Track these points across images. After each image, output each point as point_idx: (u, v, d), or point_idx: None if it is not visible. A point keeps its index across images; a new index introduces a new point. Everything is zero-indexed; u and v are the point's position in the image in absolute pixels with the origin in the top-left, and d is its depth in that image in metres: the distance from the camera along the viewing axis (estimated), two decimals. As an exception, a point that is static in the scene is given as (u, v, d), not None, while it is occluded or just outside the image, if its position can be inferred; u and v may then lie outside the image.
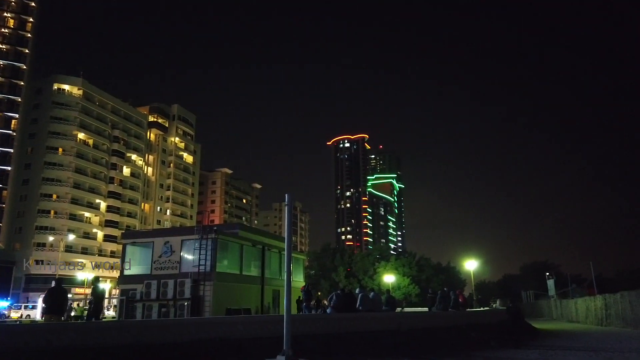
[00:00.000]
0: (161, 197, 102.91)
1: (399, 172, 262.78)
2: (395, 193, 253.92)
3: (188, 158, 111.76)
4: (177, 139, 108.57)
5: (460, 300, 28.36)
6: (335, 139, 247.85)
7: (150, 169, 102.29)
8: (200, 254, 24.50)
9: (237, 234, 30.33)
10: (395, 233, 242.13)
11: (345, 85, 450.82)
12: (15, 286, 70.00)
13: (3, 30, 76.77)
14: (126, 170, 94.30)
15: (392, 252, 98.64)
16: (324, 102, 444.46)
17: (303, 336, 13.88)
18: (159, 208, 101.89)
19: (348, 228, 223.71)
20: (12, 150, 73.59)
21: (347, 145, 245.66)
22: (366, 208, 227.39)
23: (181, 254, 26.17)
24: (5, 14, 77.50)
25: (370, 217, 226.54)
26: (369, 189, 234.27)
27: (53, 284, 14.68)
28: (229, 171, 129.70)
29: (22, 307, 54.16)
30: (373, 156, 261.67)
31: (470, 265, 46.36)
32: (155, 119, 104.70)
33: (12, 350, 10.66)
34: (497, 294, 75.57)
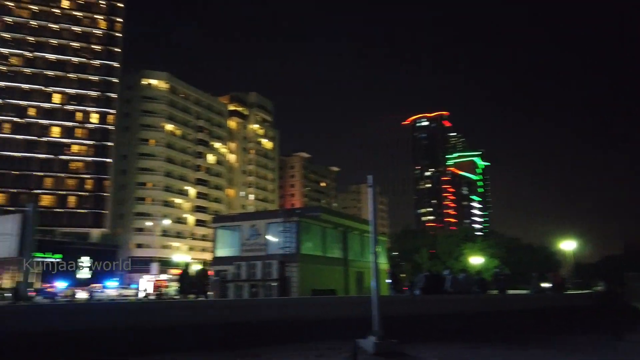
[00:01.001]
0: (244, 182, 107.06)
1: (482, 150, 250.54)
2: (479, 171, 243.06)
3: (267, 144, 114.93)
4: (256, 125, 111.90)
5: (556, 282, 26.63)
6: (412, 117, 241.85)
7: (232, 156, 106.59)
8: (285, 237, 25.08)
9: (318, 217, 30.68)
10: (480, 213, 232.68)
11: (421, 64, 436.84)
12: (122, 268, 76.76)
13: (96, 31, 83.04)
14: (211, 158, 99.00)
15: (477, 233, 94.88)
16: (398, 82, 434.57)
17: (390, 317, 13.67)
18: (242, 193, 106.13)
19: (429, 209, 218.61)
20: (111, 144, 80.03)
21: (425, 123, 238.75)
22: (448, 188, 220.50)
23: (267, 236, 26.97)
24: (96, 16, 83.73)
25: (453, 197, 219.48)
26: (450, 168, 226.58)
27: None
28: (307, 155, 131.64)
29: (129, 286, 58.93)
30: (454, 134, 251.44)
31: (567, 245, 43.29)
32: (235, 108, 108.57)
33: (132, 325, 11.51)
34: (597, 275, 70.06)
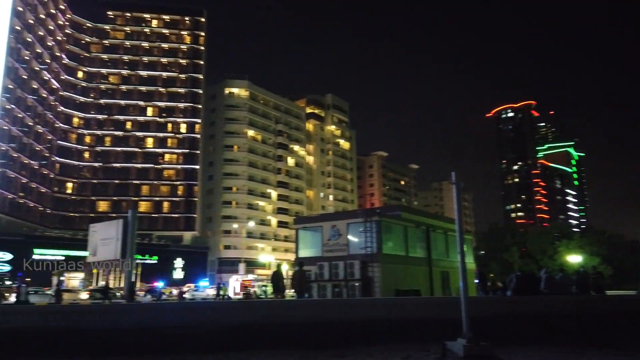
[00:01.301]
0: (323, 183, 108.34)
1: (576, 139, 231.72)
2: (574, 163, 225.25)
3: (344, 145, 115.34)
4: (332, 127, 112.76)
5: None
6: (496, 109, 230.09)
7: (311, 158, 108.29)
8: (366, 237, 24.88)
9: (399, 216, 30.08)
10: (576, 208, 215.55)
11: (504, 52, 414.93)
12: (210, 268, 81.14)
13: (182, 47, 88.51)
14: (291, 161, 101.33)
15: (574, 229, 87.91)
16: (478, 74, 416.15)
17: (480, 319, 12.98)
18: (321, 194, 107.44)
19: (518, 205, 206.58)
20: (198, 151, 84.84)
21: (511, 115, 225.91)
22: (538, 182, 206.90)
23: (348, 236, 26.93)
24: (182, 32, 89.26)
25: (544, 192, 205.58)
26: (540, 161, 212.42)
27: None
28: (385, 154, 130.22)
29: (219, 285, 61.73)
30: (543, 124, 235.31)
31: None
32: (311, 110, 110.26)
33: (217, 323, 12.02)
34: None
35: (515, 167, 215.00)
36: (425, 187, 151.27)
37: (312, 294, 24.94)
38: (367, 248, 24.68)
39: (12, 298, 32.55)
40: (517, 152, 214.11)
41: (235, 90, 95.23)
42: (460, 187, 13.08)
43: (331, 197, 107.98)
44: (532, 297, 17.84)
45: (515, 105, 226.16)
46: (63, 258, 62.59)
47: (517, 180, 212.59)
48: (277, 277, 18.40)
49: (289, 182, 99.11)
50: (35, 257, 60.87)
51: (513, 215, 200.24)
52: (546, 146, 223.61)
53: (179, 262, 74.48)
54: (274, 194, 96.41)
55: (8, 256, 57.85)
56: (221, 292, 41.49)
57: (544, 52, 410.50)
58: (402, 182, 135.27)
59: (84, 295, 39.47)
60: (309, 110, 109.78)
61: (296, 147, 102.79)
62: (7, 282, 45.94)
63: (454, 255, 29.40)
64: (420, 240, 29.78)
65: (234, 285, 55.64)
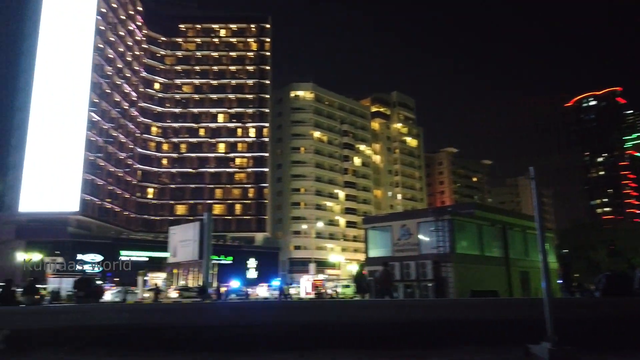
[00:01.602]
0: (390, 182, 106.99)
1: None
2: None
3: (411, 142, 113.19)
4: (399, 124, 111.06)
5: None
6: (576, 98, 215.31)
7: (378, 157, 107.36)
8: (438, 236, 24.15)
9: (472, 214, 28.91)
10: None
11: (580, 39, 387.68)
12: (282, 269, 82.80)
13: (249, 54, 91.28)
14: (357, 161, 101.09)
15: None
16: (554, 63, 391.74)
17: (565, 322, 12.07)
18: (389, 193, 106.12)
19: (604, 199, 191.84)
20: (267, 155, 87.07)
21: (593, 103, 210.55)
22: (627, 174, 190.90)
23: (418, 236, 26.30)
24: (248, 40, 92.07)
25: (635, 184, 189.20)
26: (629, 151, 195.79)
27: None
28: (454, 150, 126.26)
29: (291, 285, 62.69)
30: (630, 112, 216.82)
31: None
32: (377, 109, 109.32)
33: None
34: None
35: (600, 159, 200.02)
36: (499, 183, 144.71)
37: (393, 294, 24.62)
38: (439, 247, 23.96)
39: (107, 297, 35.17)
40: (602, 143, 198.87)
41: (300, 93, 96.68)
42: (537, 182, 12.25)
43: (399, 196, 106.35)
44: (624, 298, 16.37)
45: (598, 93, 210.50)
46: (147, 259, 67.09)
47: (602, 173, 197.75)
48: (359, 278, 18.31)
49: (356, 182, 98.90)
50: (122, 258, 65.43)
51: (599, 210, 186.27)
52: (635, 135, 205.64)
53: (252, 262, 76.75)
54: (341, 194, 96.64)
55: (98, 258, 62.56)
56: (284, 292, 42.25)
57: (628, 35, 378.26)
58: (475, 179, 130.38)
59: (174, 294, 41.76)
60: (374, 109, 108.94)
61: (362, 147, 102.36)
62: (98, 282, 49.62)
63: (533, 254, 27.77)
64: (496, 239, 28.44)
65: (305, 285, 56.35)
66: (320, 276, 64.51)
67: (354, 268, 74.98)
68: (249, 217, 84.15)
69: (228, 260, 73.14)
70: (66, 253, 57.26)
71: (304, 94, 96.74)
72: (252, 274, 75.29)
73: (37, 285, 19.56)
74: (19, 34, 72.68)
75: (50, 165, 61.49)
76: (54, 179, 61.19)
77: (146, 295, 43.10)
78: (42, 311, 14.13)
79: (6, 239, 62.70)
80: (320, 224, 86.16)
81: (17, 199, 61.32)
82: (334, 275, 76.76)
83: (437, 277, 23.39)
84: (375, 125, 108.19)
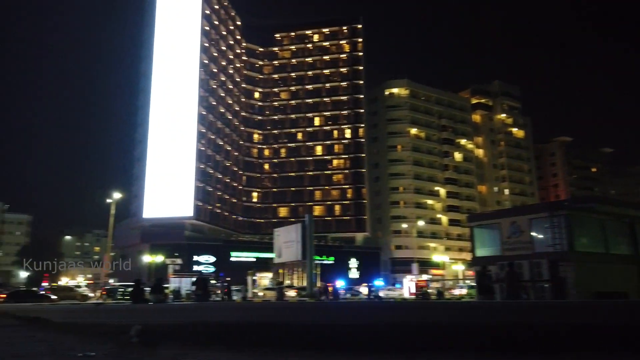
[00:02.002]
0: (496, 177, 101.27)
1: None
2: None
3: (518, 133, 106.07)
4: (503, 115, 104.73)
5: None
6: None
7: (481, 151, 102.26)
8: (553, 233, 22.28)
9: (593, 208, 26.31)
10: None
11: None
12: (383, 269, 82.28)
13: (342, 56, 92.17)
14: (458, 156, 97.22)
15: None
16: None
17: None
18: (495, 189, 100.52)
19: None
20: (364, 155, 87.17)
21: None
22: None
23: (531, 233, 24.54)
24: (341, 42, 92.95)
25: None
26: None
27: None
28: (568, 139, 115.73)
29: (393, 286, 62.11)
30: None
31: None
32: (477, 101, 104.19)
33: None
34: None
35: None
36: (622, 173, 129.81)
37: (494, 296, 23.27)
38: (555, 245, 22.11)
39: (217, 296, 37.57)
40: None
41: (395, 90, 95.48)
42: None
43: (507, 191, 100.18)
44: None
45: None
46: (254, 260, 70.73)
47: None
48: (482, 278, 17.49)
49: (457, 178, 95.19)
50: (232, 259, 69.80)
51: None
52: None
53: (353, 263, 77.24)
54: (442, 191, 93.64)
55: (212, 259, 67.30)
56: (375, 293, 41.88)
57: None
58: (594, 169, 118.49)
59: (292, 293, 43.53)
60: (474, 101, 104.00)
61: (463, 141, 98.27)
62: (212, 281, 53.20)
63: (671, 251, 24.51)
64: (624, 235, 25.59)
65: (408, 286, 55.33)
66: (424, 276, 62.92)
67: (459, 268, 72.13)
68: (348, 217, 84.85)
69: (330, 261, 74.35)
70: (183, 255, 62.38)
71: (399, 90, 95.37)
72: (353, 273, 75.73)
73: (162, 285, 21.45)
74: (137, 58, 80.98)
75: (167, 175, 67.45)
76: (171, 187, 67.02)
77: (260, 294, 45.30)
78: (167, 308, 15.45)
79: (133, 243, 70.03)
80: (421, 223, 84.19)
81: (141, 206, 68.11)
82: (438, 276, 74.43)
83: (555, 277, 21.58)
84: (477, 117, 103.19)
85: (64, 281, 74.86)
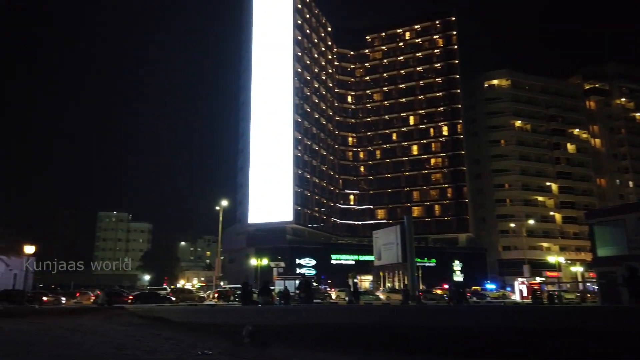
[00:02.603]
0: (617, 168, 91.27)
1: None
2: None
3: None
4: (622, 100, 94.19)
5: None
6: None
7: (597, 141, 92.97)
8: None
9: None
10: None
11: None
12: (490, 270, 78.05)
13: (435, 51, 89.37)
14: (570, 147, 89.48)
15: None
16: None
17: None
18: (617, 181, 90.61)
19: None
20: (463, 152, 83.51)
21: None
22: None
23: (667, 229, 21.60)
24: (434, 37, 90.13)
25: None
26: None
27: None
28: None
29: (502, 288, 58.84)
30: None
31: None
32: (590, 86, 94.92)
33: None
34: None
35: None
36: None
37: (620, 300, 20.84)
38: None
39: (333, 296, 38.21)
40: None
41: (495, 81, 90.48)
42: None
43: (631, 184, 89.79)
44: None
45: None
46: (353, 262, 71.10)
47: None
48: (634, 279, 15.70)
49: (570, 171, 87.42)
50: (332, 262, 70.82)
51: None
52: None
53: (457, 265, 74.29)
54: (554, 186, 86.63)
55: (312, 262, 68.84)
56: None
57: None
58: None
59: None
60: (587, 87, 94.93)
61: (576, 131, 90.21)
62: (314, 284, 54.31)
63: None
64: None
65: (520, 289, 52.00)
66: (538, 279, 58.61)
67: (578, 269, 65.97)
68: (449, 217, 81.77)
69: (431, 263, 72.28)
70: (286, 258, 64.61)
71: (499, 82, 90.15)
72: (457, 276, 72.80)
73: (269, 287, 22.25)
74: (237, 73, 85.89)
75: (268, 182, 70.42)
76: (271, 193, 69.85)
77: (381, 296, 45.27)
78: (276, 310, 15.96)
79: (240, 247, 74.08)
80: (531, 221, 78.47)
81: (246, 212, 71.86)
82: (553, 278, 68.80)
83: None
84: (591, 104, 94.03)
85: (180, 284, 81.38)
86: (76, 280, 62.96)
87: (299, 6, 78.57)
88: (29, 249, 33.25)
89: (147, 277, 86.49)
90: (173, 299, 36.87)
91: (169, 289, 45.52)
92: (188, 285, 75.62)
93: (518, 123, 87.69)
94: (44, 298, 36.36)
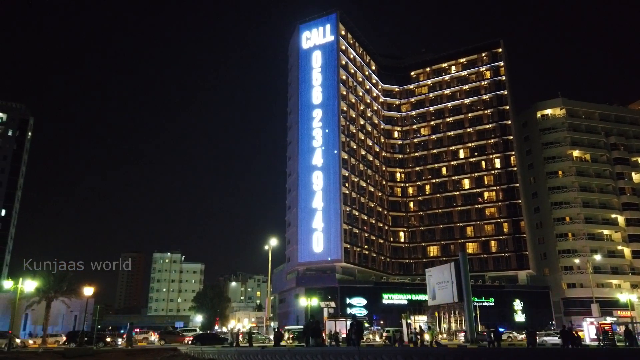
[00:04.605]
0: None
1: None
2: None
3: None
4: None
5: None
6: None
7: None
8: None
9: None
10: None
11: None
12: (555, 310, 72.84)
13: (483, 83, 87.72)
14: (636, 177, 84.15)
15: None
16: None
17: None
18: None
19: None
20: (518, 184, 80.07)
21: None
22: None
23: None
24: (481, 69, 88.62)
25: None
26: None
27: None
28: None
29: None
30: None
31: None
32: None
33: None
34: None
35: None
36: None
37: None
38: None
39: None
40: None
41: (548, 111, 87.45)
42: None
43: None
44: None
45: None
46: (406, 302, 68.44)
47: None
48: None
49: (638, 202, 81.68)
50: (384, 301, 68.54)
51: None
52: None
53: (517, 304, 70.08)
54: (620, 218, 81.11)
55: (363, 301, 66.92)
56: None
57: None
58: None
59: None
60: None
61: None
62: (366, 324, 52.43)
63: None
64: None
65: (589, 329, 47.78)
66: (608, 319, 53.75)
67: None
68: (506, 254, 77.75)
69: (489, 302, 68.60)
70: (336, 297, 63.18)
71: (553, 111, 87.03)
72: (519, 316, 68.51)
73: (320, 328, 21.48)
74: (284, 114, 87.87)
75: (316, 220, 70.11)
76: (320, 231, 69.37)
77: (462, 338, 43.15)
78: (328, 352, 15.20)
79: (289, 287, 73.39)
80: (597, 257, 73.19)
81: (295, 251, 71.53)
82: (625, 317, 63.11)
83: None
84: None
85: (231, 324, 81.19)
86: (132, 320, 64.21)
87: (343, 47, 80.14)
88: (88, 291, 34.26)
89: (198, 318, 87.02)
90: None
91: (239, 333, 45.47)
92: (239, 326, 75.28)
93: (576, 153, 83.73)
94: (107, 339, 39.57)
